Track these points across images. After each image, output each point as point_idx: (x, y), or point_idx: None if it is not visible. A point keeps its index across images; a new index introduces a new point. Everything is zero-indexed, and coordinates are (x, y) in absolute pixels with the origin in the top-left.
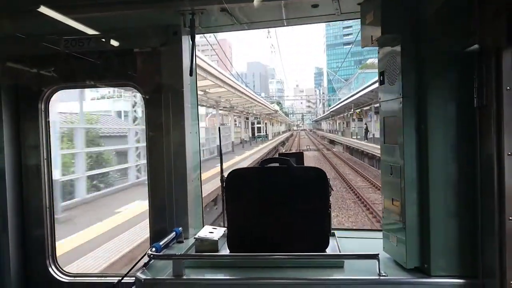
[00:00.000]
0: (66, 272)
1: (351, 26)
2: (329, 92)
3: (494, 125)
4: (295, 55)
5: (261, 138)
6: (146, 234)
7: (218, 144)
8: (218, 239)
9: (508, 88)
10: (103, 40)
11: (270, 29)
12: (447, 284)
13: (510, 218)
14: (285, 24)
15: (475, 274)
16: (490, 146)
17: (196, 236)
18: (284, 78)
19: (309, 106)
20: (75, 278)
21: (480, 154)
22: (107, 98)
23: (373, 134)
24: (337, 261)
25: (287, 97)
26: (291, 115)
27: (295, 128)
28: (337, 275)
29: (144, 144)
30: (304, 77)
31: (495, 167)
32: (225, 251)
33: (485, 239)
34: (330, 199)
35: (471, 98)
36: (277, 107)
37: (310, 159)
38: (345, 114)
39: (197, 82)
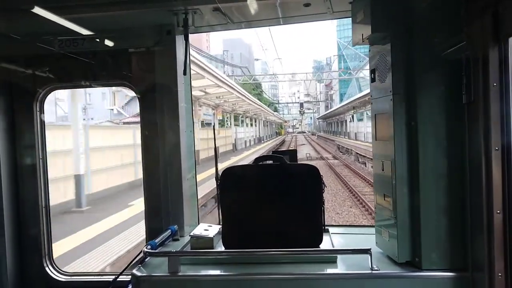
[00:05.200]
0: (63, 271)
1: None
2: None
3: (482, 120)
4: (290, 43)
5: None
6: None
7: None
8: (213, 236)
9: (494, 84)
10: (98, 40)
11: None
12: (438, 277)
13: (498, 211)
14: (279, 23)
15: (465, 267)
16: (478, 142)
17: (192, 234)
18: (281, 69)
19: (308, 102)
20: (72, 277)
21: (468, 150)
22: None
23: None
24: (331, 256)
25: (282, 97)
26: (285, 107)
27: (290, 129)
28: (331, 270)
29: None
30: (301, 68)
31: (483, 162)
32: (220, 248)
33: (474, 233)
34: (323, 196)
35: (459, 94)
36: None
37: None
38: None
39: None
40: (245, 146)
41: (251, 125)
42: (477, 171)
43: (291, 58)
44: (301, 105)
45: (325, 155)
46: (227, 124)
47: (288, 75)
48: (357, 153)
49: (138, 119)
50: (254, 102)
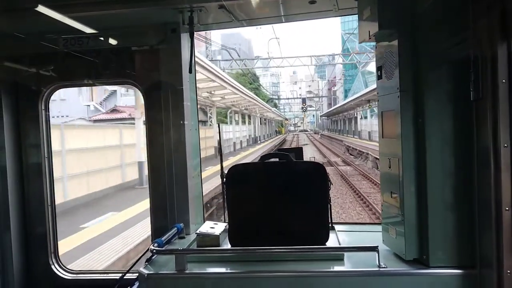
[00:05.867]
0: (69, 269)
1: None
2: (346, 69)
3: (490, 117)
4: (291, 40)
5: None
6: None
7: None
8: (219, 234)
9: (503, 81)
10: (102, 38)
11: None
12: (446, 274)
13: (507, 208)
14: (283, 21)
15: (473, 264)
16: (487, 139)
17: (198, 232)
18: (281, 65)
19: (310, 98)
20: (78, 275)
21: (476, 147)
22: None
23: None
24: (337, 253)
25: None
26: (286, 105)
27: (291, 128)
28: (338, 268)
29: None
30: (302, 67)
31: (491, 159)
32: (226, 245)
33: (482, 230)
34: (330, 193)
35: (467, 91)
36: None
37: None
38: None
39: None
40: (234, 149)
41: (243, 122)
42: (486, 168)
43: (292, 56)
44: (303, 100)
45: (333, 159)
46: (210, 121)
47: (288, 59)
48: (376, 158)
49: (113, 115)
50: (239, 90)
